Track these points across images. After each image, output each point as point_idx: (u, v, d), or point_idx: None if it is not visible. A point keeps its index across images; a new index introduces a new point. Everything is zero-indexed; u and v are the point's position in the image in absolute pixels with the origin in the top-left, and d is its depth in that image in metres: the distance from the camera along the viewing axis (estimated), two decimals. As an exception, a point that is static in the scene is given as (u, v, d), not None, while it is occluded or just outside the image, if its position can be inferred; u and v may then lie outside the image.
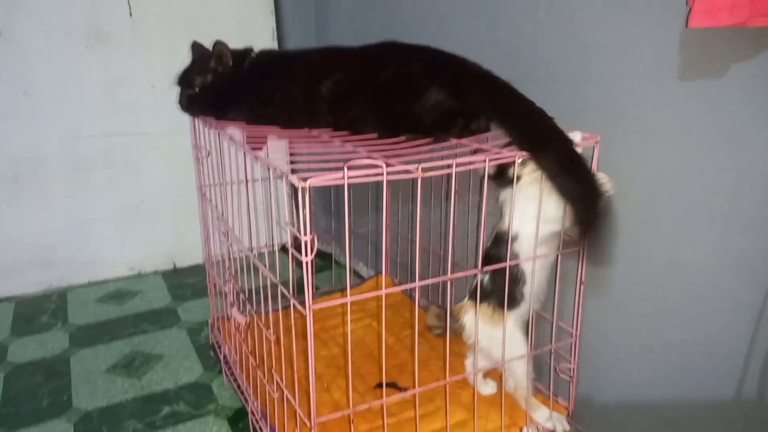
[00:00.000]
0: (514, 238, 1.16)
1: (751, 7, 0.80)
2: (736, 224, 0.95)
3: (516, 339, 1.22)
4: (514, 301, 1.20)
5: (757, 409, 0.98)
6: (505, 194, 1.18)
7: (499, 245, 1.18)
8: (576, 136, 1.09)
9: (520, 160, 1.10)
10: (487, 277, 1.21)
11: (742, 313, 0.97)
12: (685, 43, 0.98)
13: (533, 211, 1.11)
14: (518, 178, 1.13)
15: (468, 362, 1.37)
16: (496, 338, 1.20)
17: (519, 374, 1.23)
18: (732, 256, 0.97)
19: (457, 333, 1.28)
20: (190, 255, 2.41)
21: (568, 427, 1.24)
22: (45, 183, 2.14)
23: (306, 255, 0.86)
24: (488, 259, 1.20)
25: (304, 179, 0.83)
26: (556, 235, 1.16)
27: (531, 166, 1.12)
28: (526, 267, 1.18)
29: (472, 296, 1.25)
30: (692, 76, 0.98)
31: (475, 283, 1.26)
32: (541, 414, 1.25)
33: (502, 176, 1.15)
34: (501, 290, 1.16)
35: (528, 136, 1.06)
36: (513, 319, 1.21)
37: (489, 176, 1.11)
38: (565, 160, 1.03)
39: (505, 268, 1.14)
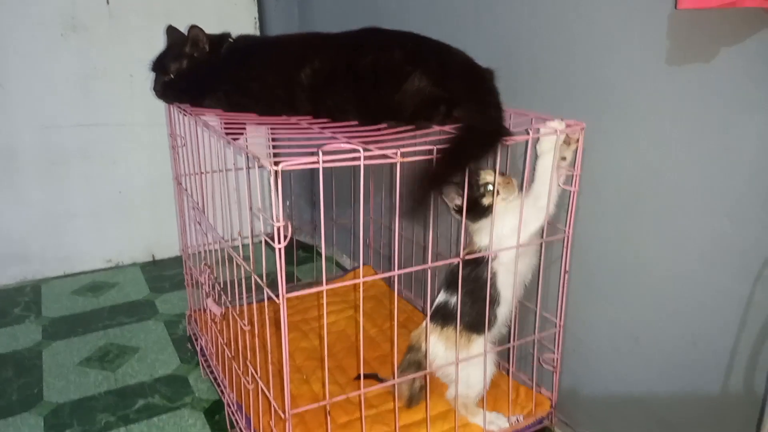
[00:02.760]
0: (492, 259, 1.14)
1: (740, -13, 0.78)
2: (724, 212, 0.94)
3: (483, 367, 1.18)
4: (490, 325, 1.17)
5: (743, 399, 0.96)
6: (480, 224, 1.16)
7: (473, 265, 1.15)
8: (559, 125, 1.07)
9: (490, 188, 1.10)
10: (453, 299, 1.17)
11: (730, 302, 0.95)
12: (674, 26, 0.95)
13: (510, 225, 1.11)
14: (489, 208, 1.12)
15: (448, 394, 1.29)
16: (466, 365, 1.16)
17: (475, 382, 1.20)
18: (720, 244, 0.95)
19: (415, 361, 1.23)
20: (170, 246, 2.37)
21: (506, 425, 1.21)
22: (19, 175, 2.07)
23: (278, 242, 0.83)
24: (453, 277, 1.17)
25: (276, 163, 0.80)
26: (536, 235, 1.15)
27: (504, 193, 1.12)
28: (503, 288, 1.16)
29: (435, 319, 1.22)
30: (681, 60, 0.95)
31: (437, 305, 1.22)
32: (480, 419, 1.21)
33: (476, 208, 1.12)
34: (473, 313, 1.14)
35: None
36: (481, 345, 1.17)
37: (458, 210, 1.11)
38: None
39: (480, 294, 1.13)
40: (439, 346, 1.18)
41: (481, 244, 1.15)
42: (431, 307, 1.22)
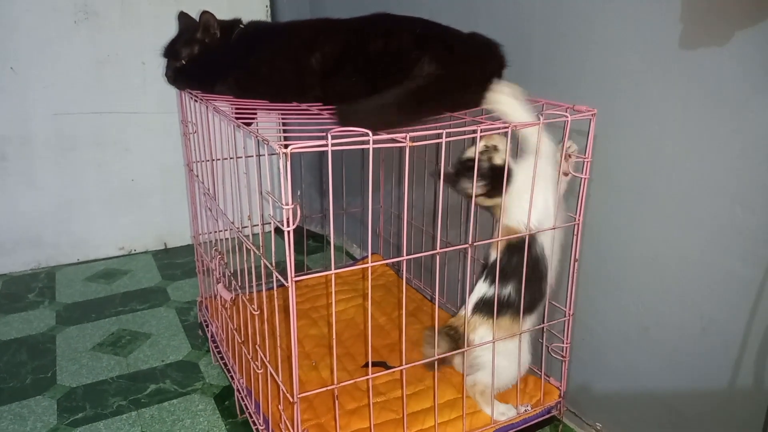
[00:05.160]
0: (537, 236, 1.10)
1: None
2: (736, 198, 0.92)
3: (525, 349, 1.18)
4: (540, 300, 1.15)
5: (753, 387, 0.95)
6: (503, 198, 1.12)
7: (516, 249, 1.10)
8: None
9: (489, 146, 1.07)
10: (509, 289, 1.13)
11: (740, 290, 0.94)
12: (688, 9, 0.94)
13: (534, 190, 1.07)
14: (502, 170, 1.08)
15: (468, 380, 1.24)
16: (511, 352, 1.15)
17: (505, 373, 1.19)
18: (732, 231, 0.94)
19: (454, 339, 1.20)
20: (182, 235, 2.38)
21: (514, 415, 1.20)
22: (33, 162, 2.10)
23: (288, 224, 0.83)
24: (502, 270, 1.13)
25: (285, 146, 0.80)
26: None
27: (501, 145, 1.09)
28: (549, 258, 1.13)
29: (478, 310, 1.18)
30: (695, 44, 0.94)
31: (481, 297, 1.18)
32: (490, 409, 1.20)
33: (494, 178, 1.09)
34: (529, 295, 1.11)
35: None
36: (529, 324, 1.17)
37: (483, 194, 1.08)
38: None
39: (531, 275, 1.10)
40: (490, 337, 1.15)
41: (516, 221, 1.11)
42: (469, 300, 1.20)
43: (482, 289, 1.19)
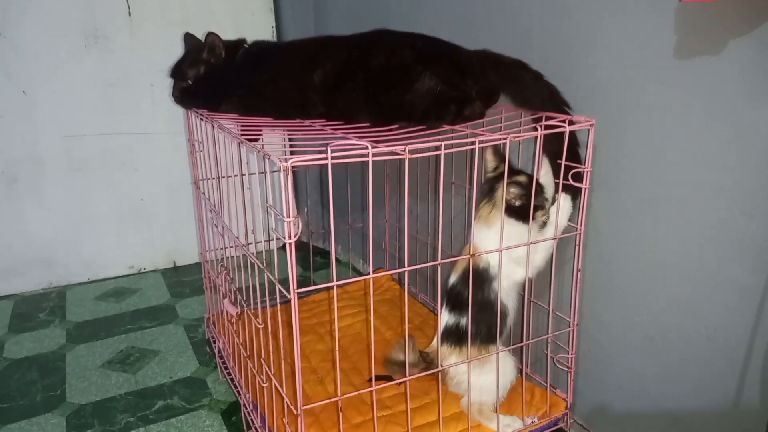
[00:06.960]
0: (493, 277, 1.14)
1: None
2: (737, 205, 0.93)
3: (507, 365, 1.19)
4: (501, 333, 1.17)
5: (759, 396, 0.95)
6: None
7: (475, 288, 1.13)
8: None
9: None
10: (464, 320, 1.17)
11: (744, 298, 0.94)
12: (681, 20, 0.95)
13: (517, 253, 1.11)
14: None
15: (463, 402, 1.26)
16: (486, 374, 1.17)
17: (491, 390, 1.19)
18: (734, 238, 0.94)
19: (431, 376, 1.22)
20: (191, 253, 2.40)
21: (521, 426, 1.20)
22: (44, 182, 2.13)
23: (289, 237, 0.84)
24: (457, 298, 1.18)
25: (286, 160, 0.82)
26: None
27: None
28: (508, 300, 1.17)
29: (449, 340, 1.21)
30: (689, 54, 0.95)
31: (447, 327, 1.21)
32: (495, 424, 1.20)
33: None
34: (486, 328, 1.14)
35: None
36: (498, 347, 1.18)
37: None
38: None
39: (486, 308, 1.13)
40: (462, 366, 1.17)
41: (484, 256, 1.15)
42: (440, 327, 1.23)
43: (444, 317, 1.22)
